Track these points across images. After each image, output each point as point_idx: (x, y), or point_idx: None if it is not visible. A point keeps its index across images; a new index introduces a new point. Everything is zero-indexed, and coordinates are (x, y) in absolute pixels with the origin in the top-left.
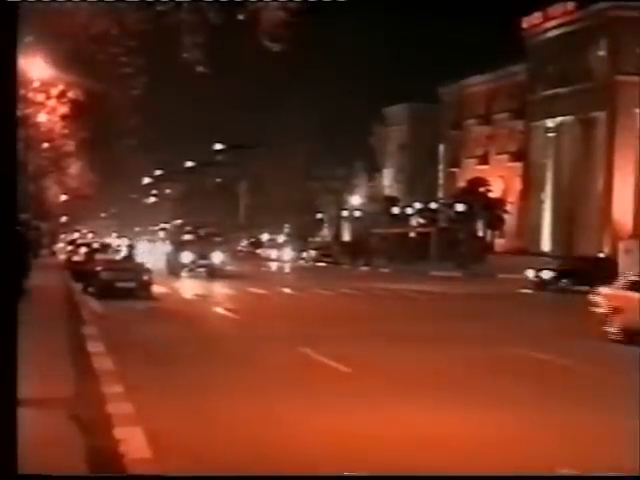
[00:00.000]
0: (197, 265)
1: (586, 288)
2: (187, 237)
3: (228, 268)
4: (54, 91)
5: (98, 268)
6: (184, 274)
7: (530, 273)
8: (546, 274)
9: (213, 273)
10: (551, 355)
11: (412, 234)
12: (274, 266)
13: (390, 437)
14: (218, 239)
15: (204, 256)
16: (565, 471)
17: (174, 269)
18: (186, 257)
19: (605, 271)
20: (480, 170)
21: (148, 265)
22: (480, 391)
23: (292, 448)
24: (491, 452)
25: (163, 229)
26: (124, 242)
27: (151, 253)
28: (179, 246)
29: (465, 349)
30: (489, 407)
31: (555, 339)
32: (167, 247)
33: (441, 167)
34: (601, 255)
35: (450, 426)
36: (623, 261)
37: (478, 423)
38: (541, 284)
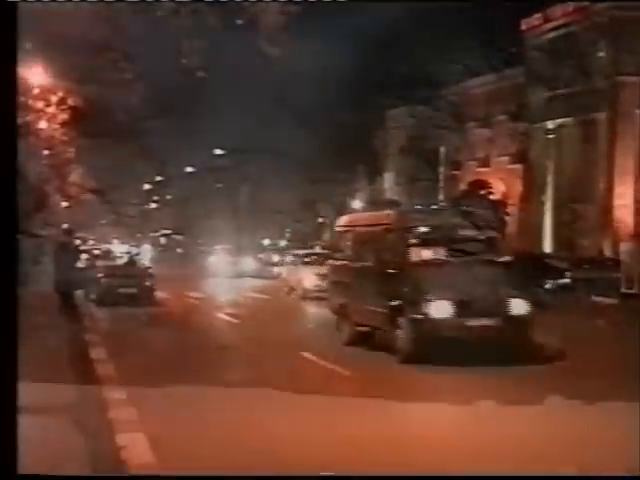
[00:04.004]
0: (468, 329)
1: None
2: (426, 254)
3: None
4: (53, 98)
5: (99, 274)
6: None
7: None
8: None
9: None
10: None
11: None
12: (275, 270)
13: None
14: (502, 259)
15: (485, 310)
16: (565, 471)
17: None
18: (441, 309)
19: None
20: (481, 172)
21: (151, 270)
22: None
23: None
24: (490, 451)
25: (168, 235)
26: (135, 250)
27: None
28: (414, 280)
29: None
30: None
31: None
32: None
33: (442, 170)
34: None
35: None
36: (624, 262)
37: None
38: None
